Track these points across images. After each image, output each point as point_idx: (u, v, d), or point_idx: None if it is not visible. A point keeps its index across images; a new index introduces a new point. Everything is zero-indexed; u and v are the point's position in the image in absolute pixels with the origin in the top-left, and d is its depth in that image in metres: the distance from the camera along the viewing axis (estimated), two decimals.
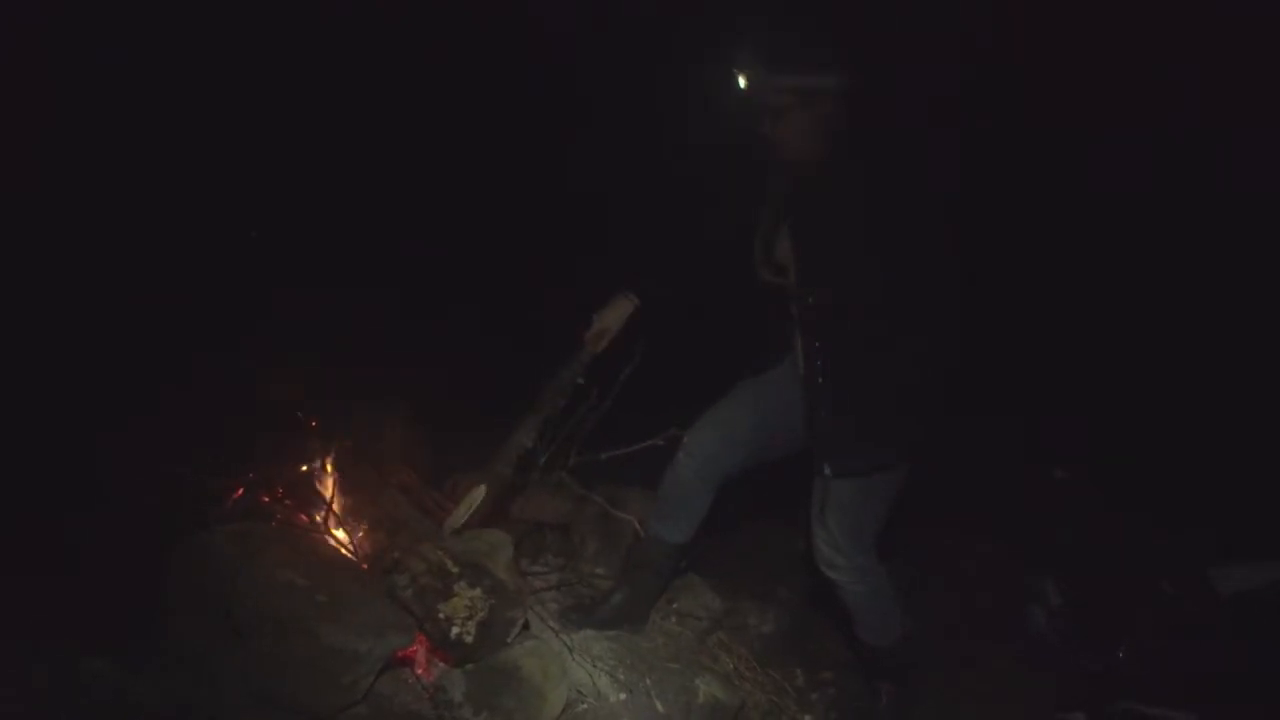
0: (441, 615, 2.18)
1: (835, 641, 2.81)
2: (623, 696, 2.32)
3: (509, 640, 2.26)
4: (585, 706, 2.24)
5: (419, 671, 2.21)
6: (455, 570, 2.27)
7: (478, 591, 2.22)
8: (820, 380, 2.21)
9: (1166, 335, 3.93)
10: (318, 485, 2.51)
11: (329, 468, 2.58)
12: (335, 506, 2.44)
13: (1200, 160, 4.11)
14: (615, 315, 2.44)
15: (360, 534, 2.45)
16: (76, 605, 2.00)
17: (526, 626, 2.32)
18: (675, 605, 2.72)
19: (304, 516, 2.43)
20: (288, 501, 2.45)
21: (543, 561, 2.81)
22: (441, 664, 2.23)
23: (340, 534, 2.40)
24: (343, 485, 2.56)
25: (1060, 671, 2.78)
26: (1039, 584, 3.06)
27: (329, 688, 1.97)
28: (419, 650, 2.21)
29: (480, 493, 2.48)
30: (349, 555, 2.34)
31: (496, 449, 2.53)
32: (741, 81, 2.16)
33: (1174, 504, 3.17)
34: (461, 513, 2.48)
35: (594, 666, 2.36)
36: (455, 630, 2.16)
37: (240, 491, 2.39)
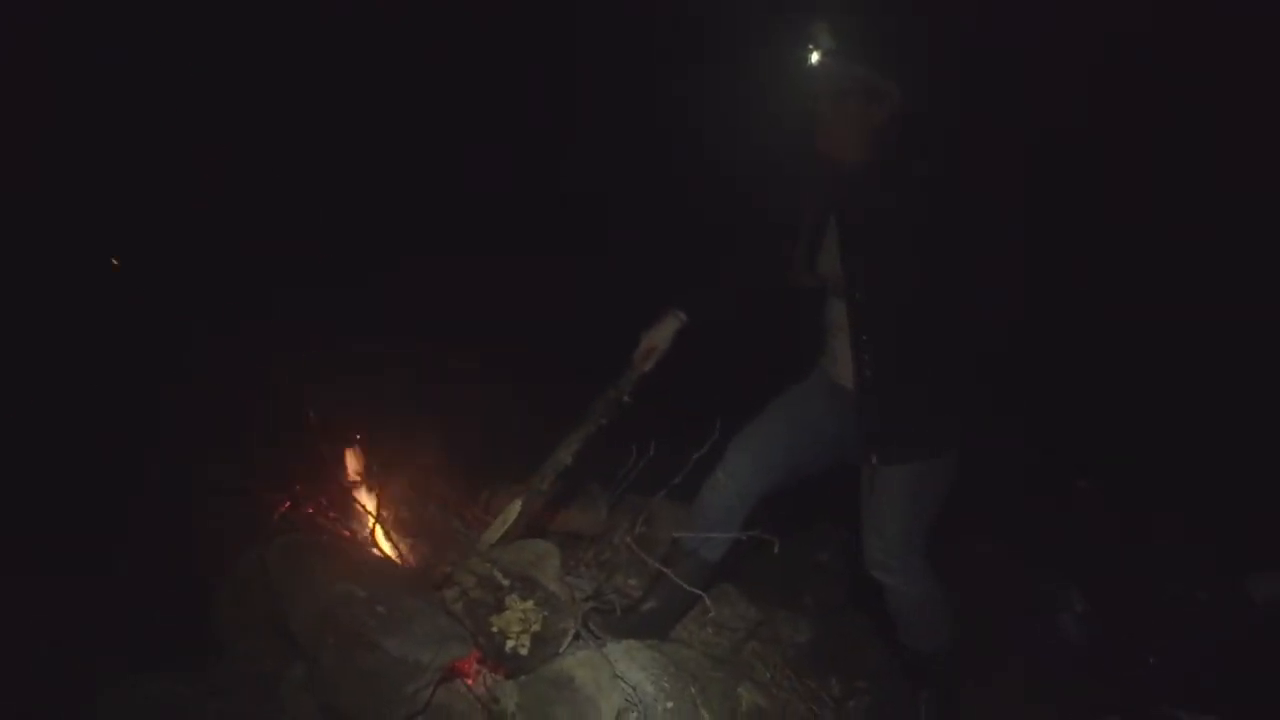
0: (495, 629, 2.20)
1: (868, 650, 2.85)
2: (669, 705, 2.34)
3: (560, 651, 2.28)
4: (635, 716, 2.26)
5: (470, 682, 2.22)
6: (506, 582, 2.29)
7: (530, 603, 2.24)
8: (868, 373, 2.28)
9: (1171, 335, 4.01)
10: (361, 498, 2.52)
11: (370, 480, 2.59)
12: (381, 519, 2.45)
13: (1203, 160, 4.20)
14: (663, 334, 2.46)
15: (407, 546, 2.46)
16: (134, 623, 2.01)
17: (577, 637, 2.35)
18: (711, 615, 2.74)
19: (350, 529, 2.44)
20: (332, 514, 2.46)
21: (577, 573, 2.82)
22: (493, 675, 2.25)
23: (388, 546, 2.41)
24: (385, 498, 2.57)
25: (1093, 678, 2.83)
26: (1066, 592, 3.12)
27: (393, 699, 1.98)
28: (471, 661, 2.23)
29: (515, 507, 2.50)
30: (399, 567, 2.34)
31: (538, 465, 2.54)
32: (814, 57, 2.21)
33: (1185, 508, 3.24)
34: (497, 527, 2.49)
35: (640, 676, 2.38)
36: (510, 644, 2.18)
37: (287, 505, 2.40)
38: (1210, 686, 2.63)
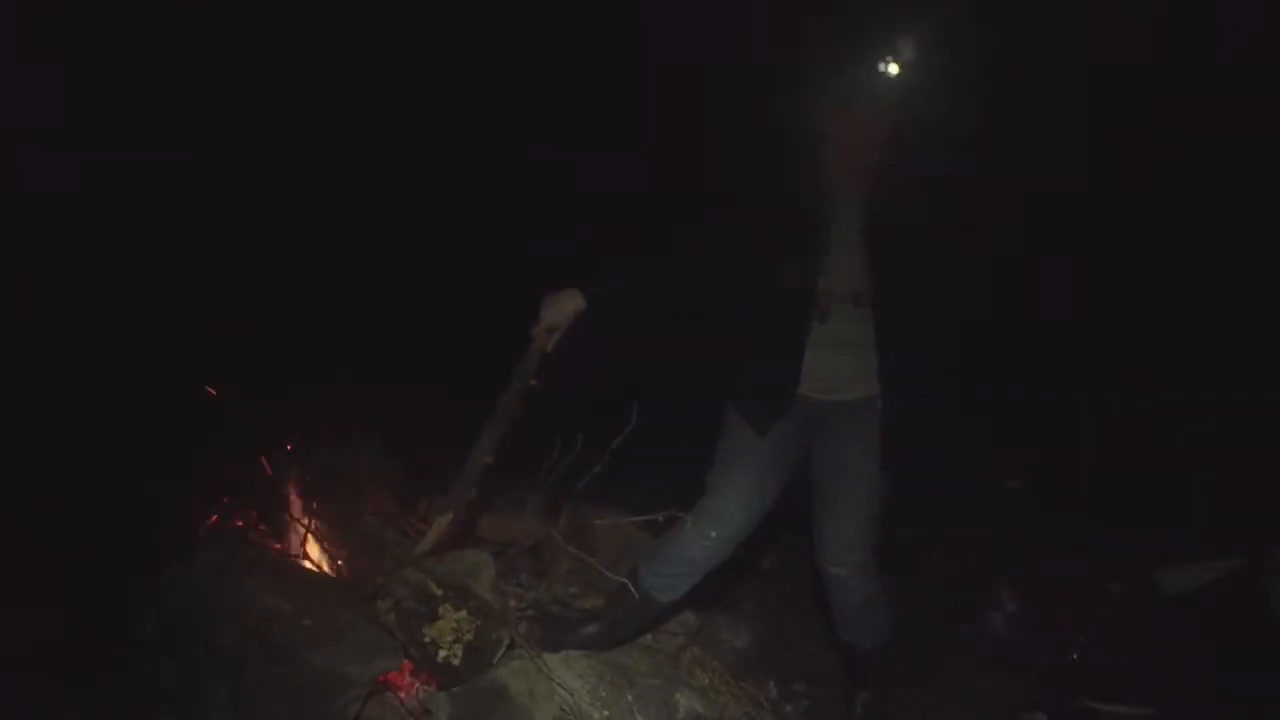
0: (427, 639, 2.18)
1: (805, 654, 2.89)
2: (605, 713, 2.34)
3: (494, 661, 2.27)
4: None
5: (403, 695, 2.20)
6: (439, 592, 2.27)
7: (463, 613, 2.23)
8: (894, 386, 2.31)
9: (1119, 341, 4.12)
10: (292, 510, 2.49)
11: (302, 492, 2.55)
12: (312, 530, 2.42)
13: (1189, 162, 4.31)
14: (561, 309, 2.33)
15: (339, 558, 2.43)
16: (58, 639, 1.96)
17: (512, 646, 2.33)
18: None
19: (279, 543, 2.40)
20: (263, 527, 2.42)
21: (515, 581, 2.81)
22: (426, 686, 2.23)
23: (319, 558, 2.38)
24: (317, 509, 2.54)
25: (1021, 674, 2.90)
26: (995, 591, 3.19)
27: (320, 714, 1.96)
28: (402, 673, 2.21)
29: (446, 516, 2.47)
30: (330, 579, 2.32)
31: (460, 469, 2.49)
32: (892, 68, 2.25)
33: (1118, 508, 3.34)
34: (430, 537, 2.46)
35: (577, 684, 2.38)
36: (442, 653, 2.17)
37: (215, 518, 2.36)
38: (1125, 678, 2.71)
